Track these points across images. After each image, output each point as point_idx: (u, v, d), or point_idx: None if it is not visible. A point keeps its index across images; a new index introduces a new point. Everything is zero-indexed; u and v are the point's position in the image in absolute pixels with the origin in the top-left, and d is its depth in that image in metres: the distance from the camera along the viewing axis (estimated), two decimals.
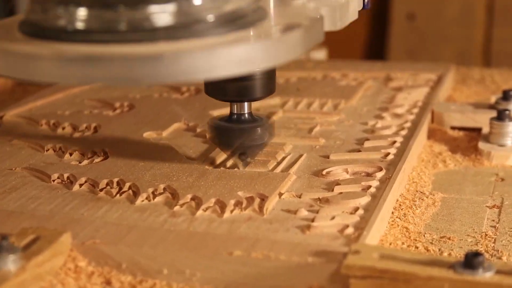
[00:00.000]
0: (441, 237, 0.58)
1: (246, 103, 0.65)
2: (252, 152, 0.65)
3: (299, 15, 0.59)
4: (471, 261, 0.48)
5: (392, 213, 0.62)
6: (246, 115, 0.65)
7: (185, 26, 0.52)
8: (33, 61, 0.51)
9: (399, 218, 0.61)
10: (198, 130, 0.75)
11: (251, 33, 0.54)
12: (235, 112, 0.65)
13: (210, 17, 0.53)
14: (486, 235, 0.59)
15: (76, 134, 0.75)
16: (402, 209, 0.62)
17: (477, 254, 0.48)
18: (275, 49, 0.53)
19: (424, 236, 0.59)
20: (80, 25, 0.52)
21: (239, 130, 0.64)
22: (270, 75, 0.63)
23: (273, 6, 0.60)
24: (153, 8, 0.52)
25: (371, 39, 1.84)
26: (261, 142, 0.65)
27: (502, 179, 0.69)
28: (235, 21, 0.54)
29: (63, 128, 0.77)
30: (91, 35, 0.52)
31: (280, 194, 0.61)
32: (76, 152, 0.70)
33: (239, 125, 0.64)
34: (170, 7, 0.52)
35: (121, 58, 0.50)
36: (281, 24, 0.56)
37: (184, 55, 0.50)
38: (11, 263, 0.49)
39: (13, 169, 0.67)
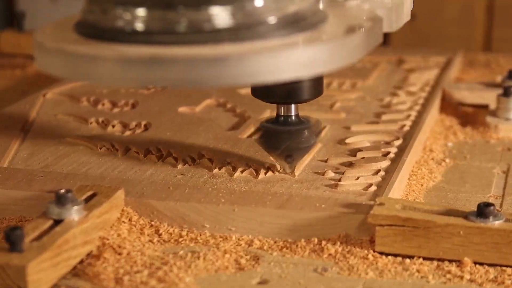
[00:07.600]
0: (454, 197, 0.65)
1: (293, 105, 0.63)
2: (298, 154, 0.64)
3: (356, 16, 0.59)
4: (483, 210, 0.54)
5: (409, 177, 0.68)
6: (293, 117, 0.63)
7: (248, 28, 0.51)
8: (93, 63, 0.50)
9: (416, 181, 0.67)
10: (228, 105, 0.81)
11: (315, 35, 0.53)
12: (282, 114, 0.63)
13: (272, 19, 0.52)
14: (494, 195, 0.65)
15: (116, 110, 0.81)
16: (417, 174, 0.69)
17: (488, 204, 0.54)
18: (340, 52, 0.53)
19: (438, 196, 0.65)
20: (140, 26, 0.51)
21: (286, 132, 0.63)
22: (318, 76, 0.61)
23: (326, 7, 0.59)
24: (216, 9, 0.51)
25: None
26: (307, 145, 0.64)
27: (509, 149, 0.75)
28: (297, 23, 0.53)
29: (103, 104, 0.83)
30: (153, 37, 0.51)
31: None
32: (118, 124, 0.76)
33: (286, 127, 0.63)
34: (233, 8, 0.51)
35: (185, 60, 0.49)
36: (343, 26, 0.56)
37: (249, 57, 0.49)
38: (75, 213, 0.55)
39: (62, 139, 0.73)
